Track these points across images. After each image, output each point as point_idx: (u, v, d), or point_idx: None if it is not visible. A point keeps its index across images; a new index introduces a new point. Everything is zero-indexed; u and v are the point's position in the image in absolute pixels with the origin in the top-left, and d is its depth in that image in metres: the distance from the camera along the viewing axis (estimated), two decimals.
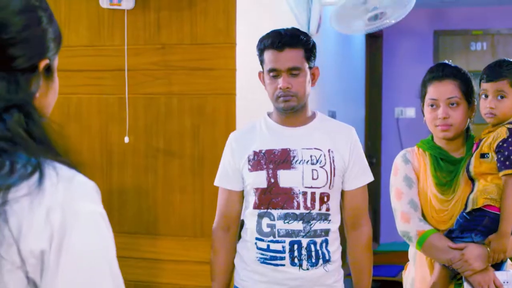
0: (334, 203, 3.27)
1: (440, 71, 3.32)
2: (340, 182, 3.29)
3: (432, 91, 3.31)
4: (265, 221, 3.23)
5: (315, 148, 3.24)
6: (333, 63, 7.02)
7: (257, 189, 3.24)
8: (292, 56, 3.18)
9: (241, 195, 3.37)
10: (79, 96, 4.45)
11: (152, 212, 4.32)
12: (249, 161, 3.27)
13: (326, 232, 3.23)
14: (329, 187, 3.22)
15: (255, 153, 3.27)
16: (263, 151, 3.26)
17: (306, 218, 3.19)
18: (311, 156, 3.22)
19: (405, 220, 3.29)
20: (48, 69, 1.52)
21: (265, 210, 3.23)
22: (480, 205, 3.13)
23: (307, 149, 3.24)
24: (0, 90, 1.41)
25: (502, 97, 3.19)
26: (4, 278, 1.30)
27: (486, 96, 3.23)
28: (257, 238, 3.26)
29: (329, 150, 3.24)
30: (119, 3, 4.20)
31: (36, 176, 1.37)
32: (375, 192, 8.81)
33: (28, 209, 1.34)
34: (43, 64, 1.49)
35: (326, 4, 5.62)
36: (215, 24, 4.19)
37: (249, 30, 4.31)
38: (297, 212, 3.19)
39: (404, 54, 9.44)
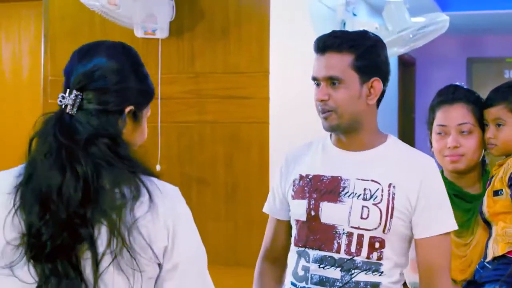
0: (392, 252, 2.54)
1: (450, 94, 2.91)
2: (407, 228, 2.54)
3: (441, 116, 2.90)
4: (302, 262, 2.62)
5: (372, 180, 2.54)
6: None
7: (297, 221, 2.64)
8: (333, 63, 2.52)
9: (289, 225, 2.75)
10: None
11: None
12: (293, 186, 2.68)
13: (374, 286, 2.53)
14: (384, 231, 2.51)
15: (301, 177, 2.66)
16: (310, 176, 2.63)
17: (346, 266, 2.52)
18: (364, 190, 2.54)
19: (414, 269, 2.70)
20: (135, 115, 2.02)
21: (303, 249, 2.61)
22: (502, 252, 2.68)
23: (362, 180, 2.55)
24: (96, 123, 1.90)
25: (499, 125, 2.80)
26: (143, 268, 1.86)
27: (487, 124, 2.86)
28: (292, 283, 2.67)
29: (389, 185, 2.53)
30: (153, 33, 4.24)
31: (145, 194, 1.89)
32: None
33: (152, 222, 1.88)
34: (127, 109, 1.98)
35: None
36: (248, 52, 4.21)
37: (282, 59, 4.32)
38: (336, 256, 2.53)
39: (437, 83, 9.34)
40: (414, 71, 9.47)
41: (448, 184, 2.83)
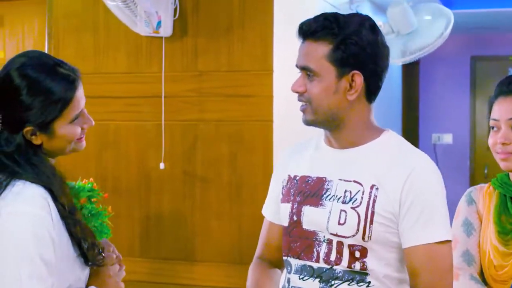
0: (378, 263, 2.24)
1: (506, 86, 2.58)
2: (394, 235, 2.23)
3: (495, 109, 2.58)
4: (286, 273, 2.40)
5: (354, 181, 2.26)
6: None
7: (283, 227, 2.41)
8: (308, 52, 2.28)
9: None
10: (117, 122, 4.48)
11: (189, 239, 4.32)
12: (283, 187, 2.45)
13: None
14: (363, 238, 2.22)
15: (289, 178, 2.43)
16: (297, 177, 2.39)
17: (325, 276, 2.26)
18: (345, 192, 2.26)
19: (454, 277, 2.32)
20: (43, 129, 2.11)
21: (286, 258, 2.38)
22: None
23: (344, 181, 2.28)
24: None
25: None
26: None
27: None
28: None
29: (372, 186, 2.23)
30: (157, 31, 4.23)
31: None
32: None
33: None
34: (26, 130, 2.11)
35: None
36: (252, 51, 4.20)
37: (286, 57, 4.32)
38: (315, 265, 2.28)
39: (441, 80, 9.39)
40: (418, 68, 9.46)
41: (507, 186, 2.58)
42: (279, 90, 4.20)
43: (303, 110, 2.33)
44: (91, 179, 3.79)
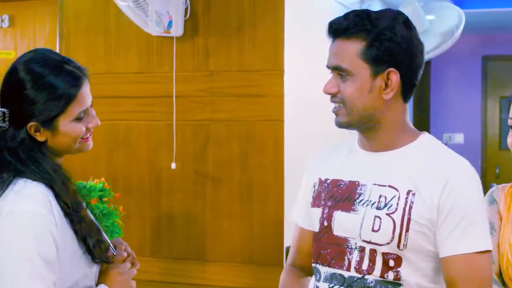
0: (413, 273, 2.12)
1: None
2: (431, 244, 2.11)
3: None
4: (314, 281, 2.29)
5: (389, 186, 2.15)
6: None
7: (313, 232, 2.29)
8: (340, 51, 2.15)
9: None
10: (128, 122, 4.49)
11: (200, 238, 4.33)
12: (313, 191, 2.33)
13: None
14: (398, 246, 2.09)
15: (320, 181, 2.31)
16: (328, 181, 2.28)
17: (356, 286, 2.15)
18: (379, 197, 2.14)
19: None
20: (47, 125, 2.12)
21: (315, 265, 2.26)
22: None
23: (378, 185, 2.16)
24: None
25: None
26: None
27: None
28: None
29: (408, 192, 2.11)
30: (168, 31, 4.24)
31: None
32: None
33: None
34: (29, 125, 2.11)
35: None
36: (263, 51, 4.20)
37: (297, 57, 4.32)
38: (346, 274, 2.17)
39: (452, 80, 9.37)
40: (429, 68, 9.44)
41: None
42: (290, 89, 4.20)
43: (336, 112, 2.18)
44: (102, 178, 3.80)
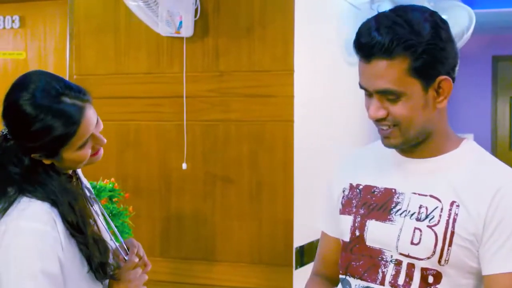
0: None
1: None
2: (473, 260, 1.97)
3: None
4: None
5: (430, 196, 2.00)
6: None
7: (342, 241, 2.18)
8: (383, 72, 1.93)
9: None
10: (138, 122, 4.49)
11: (209, 239, 4.33)
12: (342, 197, 2.21)
13: None
14: (439, 262, 1.95)
15: (351, 187, 2.18)
16: (360, 187, 2.15)
17: None
18: (420, 207, 2.00)
19: None
20: (51, 155, 2.15)
21: (344, 277, 2.14)
22: None
23: (419, 195, 2.02)
24: (5, 159, 2.16)
25: None
26: None
27: None
28: None
29: (452, 203, 1.97)
30: (178, 31, 4.24)
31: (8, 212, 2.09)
32: None
33: None
34: (34, 155, 2.15)
35: None
36: (273, 51, 4.20)
37: (307, 57, 4.32)
38: None
39: (462, 80, 9.33)
40: None
41: None
42: (300, 90, 4.20)
43: (388, 135, 2.02)
44: (112, 179, 3.80)
